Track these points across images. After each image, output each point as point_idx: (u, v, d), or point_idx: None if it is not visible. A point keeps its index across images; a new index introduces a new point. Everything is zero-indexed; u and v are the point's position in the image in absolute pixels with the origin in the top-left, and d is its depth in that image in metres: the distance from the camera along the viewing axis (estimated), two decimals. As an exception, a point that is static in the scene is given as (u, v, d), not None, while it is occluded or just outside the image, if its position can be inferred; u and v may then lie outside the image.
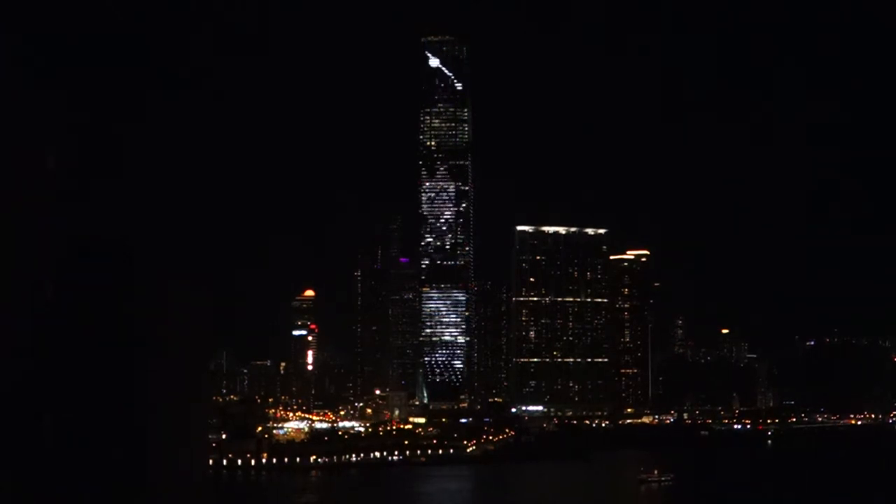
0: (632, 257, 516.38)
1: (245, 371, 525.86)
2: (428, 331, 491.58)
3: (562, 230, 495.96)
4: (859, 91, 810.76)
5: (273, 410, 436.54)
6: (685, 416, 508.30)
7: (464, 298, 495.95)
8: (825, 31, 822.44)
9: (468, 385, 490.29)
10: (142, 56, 42.88)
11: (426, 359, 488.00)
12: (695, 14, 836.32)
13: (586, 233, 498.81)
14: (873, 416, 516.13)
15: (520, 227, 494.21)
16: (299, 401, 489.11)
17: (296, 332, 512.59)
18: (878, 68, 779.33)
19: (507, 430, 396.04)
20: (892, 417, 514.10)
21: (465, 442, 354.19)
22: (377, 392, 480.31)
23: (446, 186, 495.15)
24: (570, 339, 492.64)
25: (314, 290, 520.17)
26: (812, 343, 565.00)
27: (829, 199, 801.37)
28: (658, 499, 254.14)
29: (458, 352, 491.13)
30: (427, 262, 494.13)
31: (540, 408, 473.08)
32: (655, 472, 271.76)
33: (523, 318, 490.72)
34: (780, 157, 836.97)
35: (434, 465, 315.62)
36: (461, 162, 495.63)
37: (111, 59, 41.70)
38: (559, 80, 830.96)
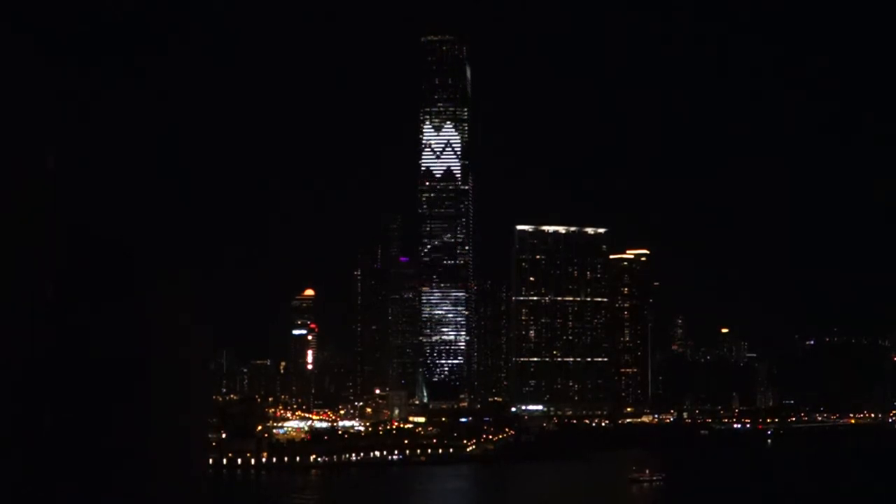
0: (631, 257, 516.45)
1: (245, 370, 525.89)
2: (428, 330, 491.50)
3: (562, 230, 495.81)
4: (859, 88, 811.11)
5: (273, 410, 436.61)
6: (685, 415, 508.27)
7: (464, 298, 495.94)
8: (811, 31, 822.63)
9: (468, 384, 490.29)
10: (140, 54, 42.87)
11: (426, 358, 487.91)
12: (694, 11, 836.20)
13: (586, 232, 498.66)
14: (873, 415, 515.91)
15: (520, 227, 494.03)
16: (299, 400, 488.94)
17: (296, 332, 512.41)
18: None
19: (506, 430, 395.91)
20: (891, 417, 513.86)
21: (465, 441, 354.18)
22: (377, 391, 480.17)
23: (446, 186, 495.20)
24: (570, 338, 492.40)
25: (314, 289, 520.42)
26: (812, 343, 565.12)
27: (829, 199, 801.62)
28: (648, 498, 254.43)
29: (458, 351, 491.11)
30: (427, 262, 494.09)
31: (540, 407, 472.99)
32: (647, 471, 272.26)
33: (523, 318, 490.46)
34: (780, 156, 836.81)
35: (434, 465, 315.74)
36: (461, 161, 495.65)
37: (109, 57, 41.71)
38: (559, 80, 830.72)
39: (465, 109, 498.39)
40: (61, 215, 39.80)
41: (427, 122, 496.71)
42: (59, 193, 39.91)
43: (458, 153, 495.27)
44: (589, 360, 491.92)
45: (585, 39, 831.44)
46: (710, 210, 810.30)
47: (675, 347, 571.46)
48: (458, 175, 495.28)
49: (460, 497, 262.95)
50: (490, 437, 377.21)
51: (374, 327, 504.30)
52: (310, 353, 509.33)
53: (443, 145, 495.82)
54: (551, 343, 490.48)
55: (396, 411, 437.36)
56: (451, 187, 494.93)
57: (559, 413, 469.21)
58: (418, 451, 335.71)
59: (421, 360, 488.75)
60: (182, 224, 44.26)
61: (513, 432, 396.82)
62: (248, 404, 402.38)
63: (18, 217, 38.56)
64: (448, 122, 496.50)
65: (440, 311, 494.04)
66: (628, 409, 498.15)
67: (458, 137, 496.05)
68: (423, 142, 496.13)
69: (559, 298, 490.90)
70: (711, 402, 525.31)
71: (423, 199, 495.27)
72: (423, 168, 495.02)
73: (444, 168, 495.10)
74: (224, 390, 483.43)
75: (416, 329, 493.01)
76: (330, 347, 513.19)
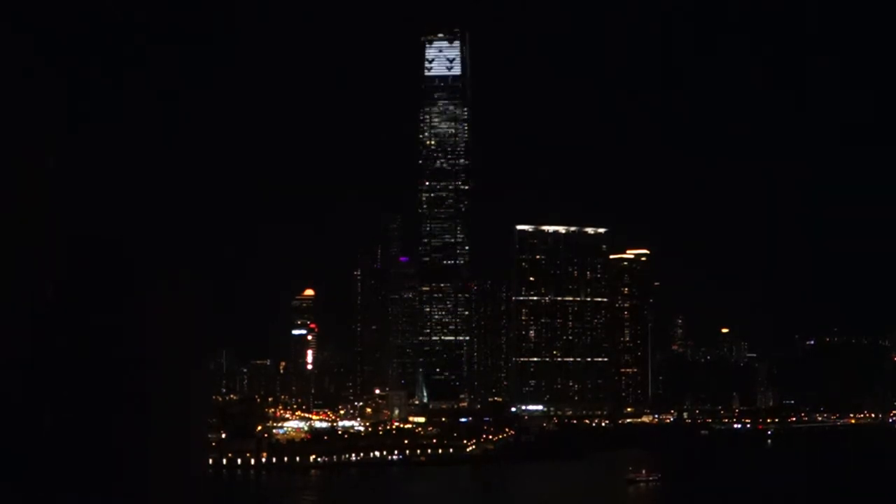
0: (631, 256, 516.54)
1: (245, 370, 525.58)
2: (428, 330, 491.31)
3: (561, 229, 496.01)
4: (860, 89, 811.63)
5: (273, 410, 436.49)
6: (685, 415, 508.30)
7: (464, 298, 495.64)
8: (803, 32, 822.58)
9: (468, 384, 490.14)
10: (140, 55, 42.87)
11: (426, 358, 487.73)
12: (698, 11, 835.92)
13: (586, 232, 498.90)
14: (873, 415, 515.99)
15: (519, 227, 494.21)
16: (299, 400, 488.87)
17: (295, 332, 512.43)
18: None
19: (506, 430, 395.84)
20: (892, 417, 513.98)
21: (465, 441, 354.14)
22: (377, 391, 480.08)
23: (446, 186, 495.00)
24: (570, 338, 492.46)
25: (314, 289, 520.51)
26: (812, 342, 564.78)
27: (829, 198, 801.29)
28: (644, 498, 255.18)
29: (458, 351, 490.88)
30: (427, 262, 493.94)
31: (540, 407, 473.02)
32: (643, 471, 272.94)
33: (523, 318, 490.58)
34: (781, 155, 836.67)
35: (434, 465, 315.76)
36: (461, 161, 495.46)
37: (109, 56, 41.70)
38: (559, 79, 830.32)
39: (465, 109, 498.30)
40: (61, 216, 39.80)
41: (427, 122, 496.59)
42: (59, 194, 39.92)
43: (459, 153, 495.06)
44: (589, 360, 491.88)
45: (585, 39, 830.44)
46: (710, 210, 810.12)
47: (675, 347, 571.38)
48: (458, 175, 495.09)
49: (460, 497, 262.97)
50: (490, 437, 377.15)
51: (374, 327, 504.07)
52: (310, 353, 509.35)
53: (443, 145, 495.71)
54: (551, 343, 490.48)
55: (396, 411, 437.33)
56: (451, 187, 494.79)
57: (559, 413, 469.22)
58: (418, 451, 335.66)
59: (421, 360, 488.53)
60: (181, 224, 44.28)
61: (513, 432, 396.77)
62: (248, 404, 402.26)
63: (18, 217, 38.55)
64: (448, 122, 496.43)
65: (440, 311, 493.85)
66: (628, 409, 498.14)
67: (458, 137, 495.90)
68: (423, 141, 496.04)
69: (559, 298, 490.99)
70: (711, 402, 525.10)
71: (423, 199, 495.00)
72: (422, 168, 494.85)
73: (444, 168, 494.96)
74: (224, 390, 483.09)
75: (416, 329, 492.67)
76: (330, 347, 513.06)
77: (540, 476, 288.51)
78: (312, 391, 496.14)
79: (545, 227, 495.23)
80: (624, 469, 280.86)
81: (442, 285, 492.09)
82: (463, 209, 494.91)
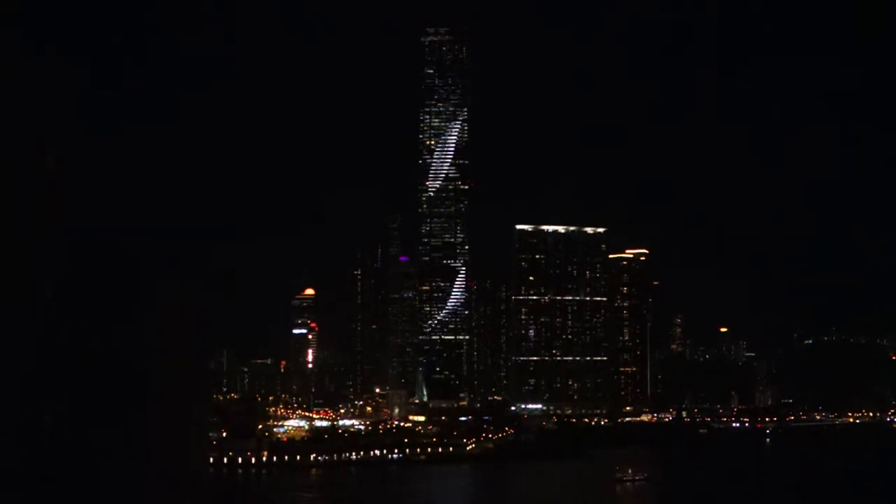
0: (631, 256, 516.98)
1: (245, 370, 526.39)
2: (428, 329, 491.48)
3: (561, 229, 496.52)
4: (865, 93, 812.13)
5: (273, 409, 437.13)
6: (684, 414, 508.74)
7: (463, 297, 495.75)
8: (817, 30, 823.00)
9: (468, 383, 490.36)
10: (143, 57, 43.35)
11: (426, 357, 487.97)
12: (695, 11, 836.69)
13: (585, 231, 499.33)
14: (871, 414, 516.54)
15: (519, 226, 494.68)
16: (299, 399, 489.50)
17: (296, 331, 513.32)
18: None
19: (506, 429, 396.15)
20: (890, 416, 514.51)
21: (465, 440, 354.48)
22: (377, 390, 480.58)
23: (446, 186, 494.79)
24: (570, 337, 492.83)
25: (314, 289, 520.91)
26: (810, 341, 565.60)
27: (828, 198, 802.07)
28: (629, 497, 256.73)
29: (458, 350, 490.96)
30: (427, 262, 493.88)
31: (539, 406, 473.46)
32: (629, 471, 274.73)
33: (522, 317, 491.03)
34: (780, 155, 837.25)
35: (434, 464, 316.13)
36: (461, 161, 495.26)
37: (111, 59, 42.16)
38: (559, 79, 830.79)
39: (465, 109, 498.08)
40: (62, 216, 40.22)
41: (427, 122, 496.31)
42: (60, 195, 40.32)
43: (458, 153, 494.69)
44: (588, 359, 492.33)
45: (586, 38, 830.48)
46: (709, 210, 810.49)
47: (674, 347, 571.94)
48: (458, 175, 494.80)
49: (460, 496, 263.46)
50: (490, 435, 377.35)
51: (374, 327, 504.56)
52: (310, 352, 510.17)
53: (443, 145, 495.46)
54: (551, 342, 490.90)
55: (396, 410, 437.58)
56: (451, 187, 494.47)
57: (558, 412, 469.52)
58: (418, 449, 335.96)
59: (421, 359, 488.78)
60: (182, 224, 44.74)
61: (512, 431, 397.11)
62: (249, 403, 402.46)
63: (19, 217, 38.94)
64: (448, 122, 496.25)
65: (440, 311, 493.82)
66: (627, 408, 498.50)
67: (458, 137, 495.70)
68: (423, 141, 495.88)
69: (558, 298, 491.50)
70: (710, 401, 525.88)
71: (423, 199, 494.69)
72: (423, 168, 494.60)
73: (444, 168, 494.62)
74: (224, 389, 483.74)
75: (416, 328, 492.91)
76: (330, 346, 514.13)
77: (537, 475, 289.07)
78: (313, 390, 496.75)
79: (545, 227, 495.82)
80: (622, 468, 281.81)
81: (442, 285, 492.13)
82: (463, 209, 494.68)
